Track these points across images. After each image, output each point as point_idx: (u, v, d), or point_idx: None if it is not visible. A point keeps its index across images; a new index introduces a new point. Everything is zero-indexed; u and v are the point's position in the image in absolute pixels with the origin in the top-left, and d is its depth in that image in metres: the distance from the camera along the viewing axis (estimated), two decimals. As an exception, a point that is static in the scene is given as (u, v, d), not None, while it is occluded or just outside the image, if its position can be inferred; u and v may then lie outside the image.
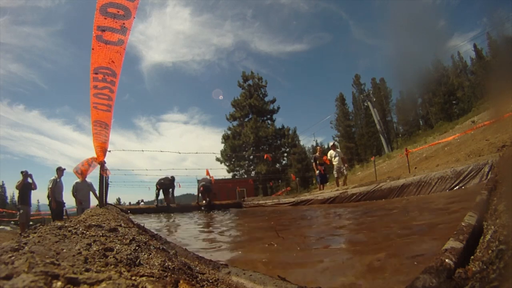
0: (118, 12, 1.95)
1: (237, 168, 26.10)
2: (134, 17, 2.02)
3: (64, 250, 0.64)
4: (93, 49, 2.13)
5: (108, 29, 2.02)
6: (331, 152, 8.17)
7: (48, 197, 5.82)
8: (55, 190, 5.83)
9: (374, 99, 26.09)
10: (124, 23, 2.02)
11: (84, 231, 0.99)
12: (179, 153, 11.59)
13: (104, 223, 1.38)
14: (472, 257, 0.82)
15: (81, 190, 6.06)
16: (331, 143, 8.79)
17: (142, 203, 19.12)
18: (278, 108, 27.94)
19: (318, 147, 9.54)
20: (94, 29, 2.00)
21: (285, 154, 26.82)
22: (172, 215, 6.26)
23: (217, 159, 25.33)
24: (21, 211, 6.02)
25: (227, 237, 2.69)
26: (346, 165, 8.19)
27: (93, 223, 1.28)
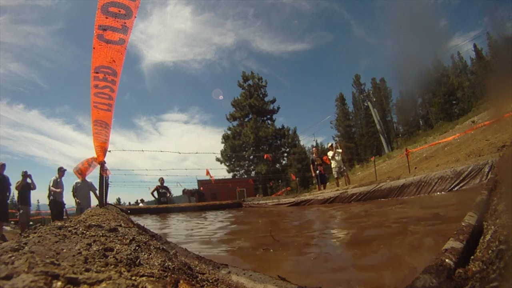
0: (119, 11, 1.95)
1: (237, 168, 26.12)
2: (135, 17, 2.02)
3: (64, 250, 0.64)
4: (94, 48, 2.13)
5: (109, 28, 2.02)
6: (330, 152, 8.17)
7: (49, 196, 5.82)
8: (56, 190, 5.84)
9: (374, 99, 26.10)
10: (125, 22, 2.02)
11: (84, 231, 0.99)
12: (179, 153, 11.57)
13: (104, 223, 1.38)
14: (472, 257, 0.82)
15: (81, 190, 6.05)
16: (329, 144, 8.78)
17: (141, 203, 19.06)
18: (278, 108, 27.99)
19: (314, 148, 9.54)
20: (95, 28, 2.00)
21: (285, 154, 26.84)
22: (171, 215, 6.26)
23: (217, 159, 25.36)
24: (21, 211, 6.03)
25: (220, 239, 2.69)
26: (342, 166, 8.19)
27: (93, 223, 1.28)
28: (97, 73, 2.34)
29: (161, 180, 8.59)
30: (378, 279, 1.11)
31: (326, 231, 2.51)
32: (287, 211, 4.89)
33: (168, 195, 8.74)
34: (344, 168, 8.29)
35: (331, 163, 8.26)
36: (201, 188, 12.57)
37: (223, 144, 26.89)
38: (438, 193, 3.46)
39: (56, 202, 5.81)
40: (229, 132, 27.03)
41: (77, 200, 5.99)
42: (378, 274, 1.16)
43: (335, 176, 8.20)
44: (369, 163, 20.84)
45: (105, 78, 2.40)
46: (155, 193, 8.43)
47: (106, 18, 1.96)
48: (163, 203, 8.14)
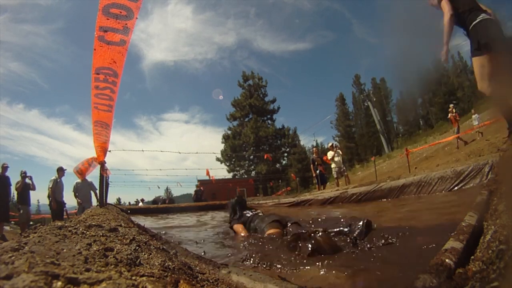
0: (120, 12, 1.95)
1: (237, 168, 26.14)
2: (136, 18, 2.02)
3: (64, 250, 0.64)
4: (95, 49, 2.13)
5: (110, 30, 2.02)
6: (331, 153, 8.17)
7: (49, 197, 5.82)
8: (56, 190, 5.84)
9: (374, 99, 26.11)
10: (126, 24, 2.02)
11: (84, 231, 0.99)
12: (179, 153, 11.61)
13: (104, 223, 1.38)
14: (472, 257, 0.82)
15: (82, 190, 6.06)
16: (329, 144, 8.78)
17: (141, 203, 19.03)
18: (279, 108, 28.02)
19: (314, 149, 9.55)
20: (96, 30, 2.01)
21: (285, 154, 26.86)
22: (169, 215, 6.26)
23: (218, 159, 25.37)
24: (21, 211, 6.03)
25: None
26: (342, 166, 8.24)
27: (93, 223, 1.28)
28: (97, 74, 2.34)
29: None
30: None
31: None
32: (288, 211, 4.89)
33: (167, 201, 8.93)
34: (344, 168, 8.31)
35: (331, 163, 8.27)
36: (201, 188, 12.59)
37: (223, 144, 26.92)
38: (438, 193, 3.46)
39: (56, 202, 5.81)
40: (229, 132, 27.07)
41: (79, 200, 6.00)
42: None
43: (335, 176, 8.21)
44: (369, 163, 20.85)
45: (106, 79, 2.40)
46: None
47: (107, 19, 1.96)
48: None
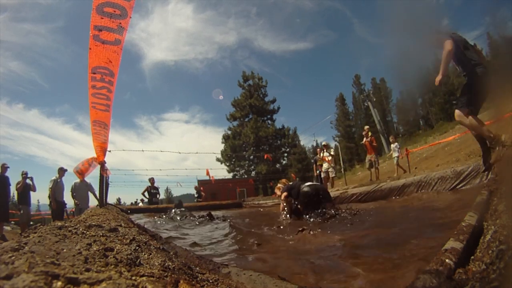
0: (114, 11, 1.95)
1: (237, 168, 26.12)
2: (130, 17, 2.02)
3: (64, 250, 0.64)
4: (90, 48, 2.13)
5: (105, 29, 2.02)
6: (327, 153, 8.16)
7: (49, 197, 5.82)
8: (56, 190, 5.83)
9: (374, 99, 26.09)
10: (120, 23, 2.02)
11: (84, 231, 0.99)
12: (179, 153, 11.59)
13: (104, 223, 1.38)
14: (472, 257, 0.82)
15: (80, 191, 6.05)
16: (323, 143, 8.67)
17: (140, 203, 18.98)
18: (279, 108, 27.98)
19: (318, 149, 9.52)
20: (91, 29, 2.01)
21: (285, 154, 26.84)
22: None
23: (218, 159, 25.35)
24: (22, 211, 6.02)
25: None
26: (332, 164, 8.05)
27: (93, 223, 1.28)
28: (94, 73, 2.34)
29: (152, 180, 8.33)
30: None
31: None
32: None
33: (159, 196, 8.51)
34: (332, 169, 8.10)
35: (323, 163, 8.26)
36: (202, 188, 12.59)
37: (223, 144, 26.90)
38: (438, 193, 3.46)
39: (56, 202, 5.80)
40: (229, 132, 27.04)
41: (76, 201, 6.00)
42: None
43: (322, 176, 8.12)
44: (369, 163, 20.78)
45: (103, 78, 2.40)
46: (146, 194, 8.24)
47: (102, 18, 1.96)
48: (155, 203, 7.99)
